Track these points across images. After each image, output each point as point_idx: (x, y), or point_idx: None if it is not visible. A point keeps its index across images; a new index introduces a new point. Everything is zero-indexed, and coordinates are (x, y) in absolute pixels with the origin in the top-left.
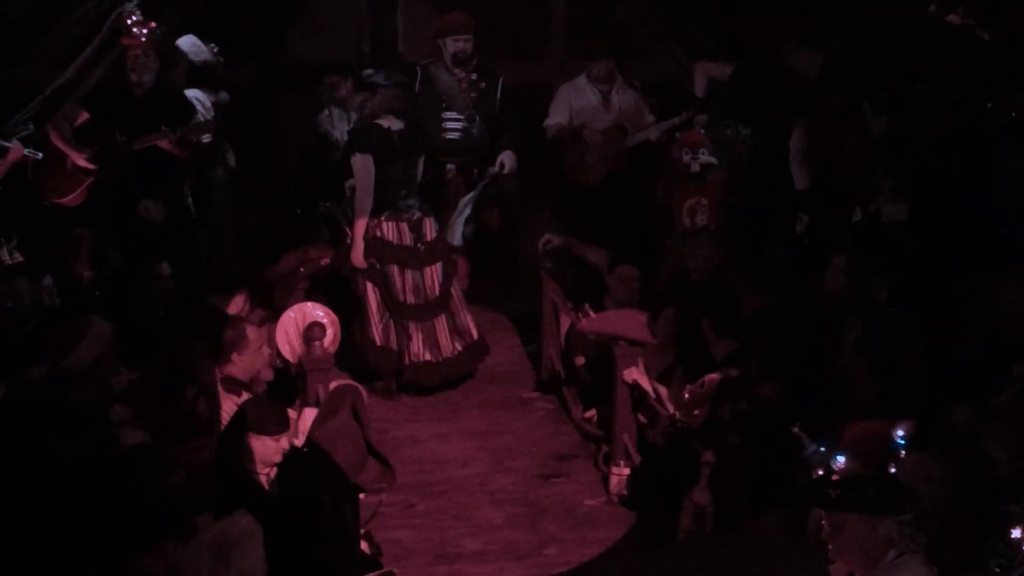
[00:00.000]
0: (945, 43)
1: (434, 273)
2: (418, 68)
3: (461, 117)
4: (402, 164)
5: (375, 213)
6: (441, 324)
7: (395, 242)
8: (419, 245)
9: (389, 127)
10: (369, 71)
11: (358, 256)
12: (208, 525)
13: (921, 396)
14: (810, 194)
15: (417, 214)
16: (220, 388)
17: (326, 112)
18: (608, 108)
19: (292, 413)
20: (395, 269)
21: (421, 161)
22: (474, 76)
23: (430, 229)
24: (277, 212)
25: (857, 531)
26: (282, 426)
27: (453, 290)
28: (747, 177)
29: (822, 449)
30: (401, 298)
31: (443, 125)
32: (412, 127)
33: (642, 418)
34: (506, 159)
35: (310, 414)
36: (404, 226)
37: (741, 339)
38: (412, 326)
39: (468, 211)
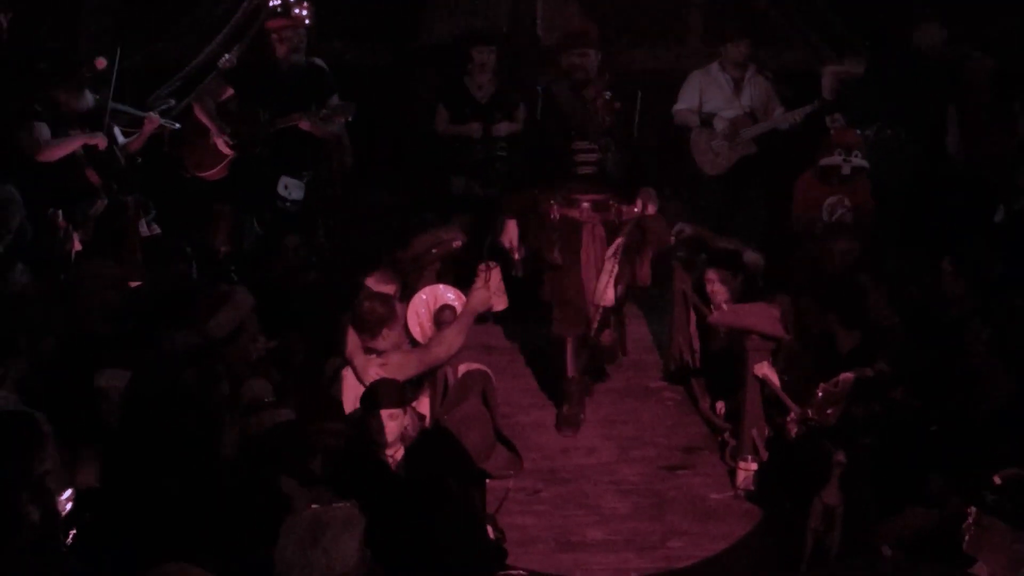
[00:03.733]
0: None
1: None
2: (539, 89)
3: (594, 146)
4: None
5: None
6: None
7: None
8: None
9: None
10: None
11: None
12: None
13: None
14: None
15: None
16: (363, 358)
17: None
18: (739, 96)
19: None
20: None
21: None
22: (607, 95)
23: None
24: (411, 193)
25: (1001, 538)
26: (408, 397)
27: None
28: (894, 174)
29: None
30: None
31: (573, 158)
32: None
33: (773, 415)
34: (648, 199)
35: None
36: None
37: (867, 335)
38: None
39: (616, 268)
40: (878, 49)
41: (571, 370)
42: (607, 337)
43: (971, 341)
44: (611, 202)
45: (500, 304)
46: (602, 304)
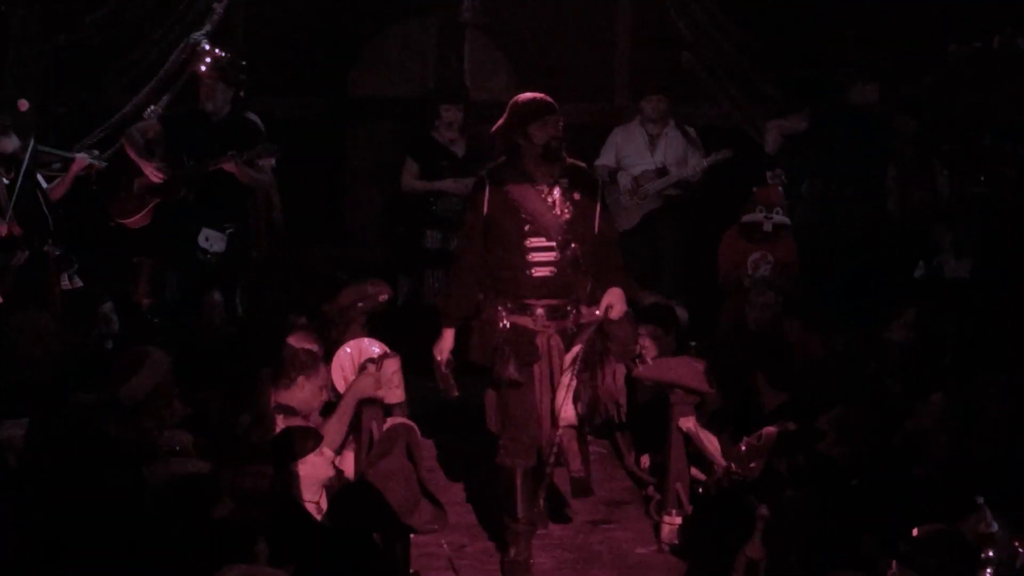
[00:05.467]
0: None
1: None
2: (484, 176)
3: (551, 244)
4: None
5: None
6: None
7: None
8: None
9: None
10: None
11: None
12: (262, 553)
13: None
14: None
15: None
16: (276, 415)
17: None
18: (653, 151)
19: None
20: None
21: None
22: (564, 182)
23: None
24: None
25: None
26: (317, 439)
27: None
28: (836, 229)
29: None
30: None
31: (526, 257)
32: None
33: (696, 470)
34: (615, 301)
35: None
36: None
37: (794, 392)
38: None
39: (574, 382)
40: (818, 106)
41: (520, 510)
42: (576, 464)
43: (922, 407)
44: (569, 307)
45: (394, 397)
46: (562, 424)
